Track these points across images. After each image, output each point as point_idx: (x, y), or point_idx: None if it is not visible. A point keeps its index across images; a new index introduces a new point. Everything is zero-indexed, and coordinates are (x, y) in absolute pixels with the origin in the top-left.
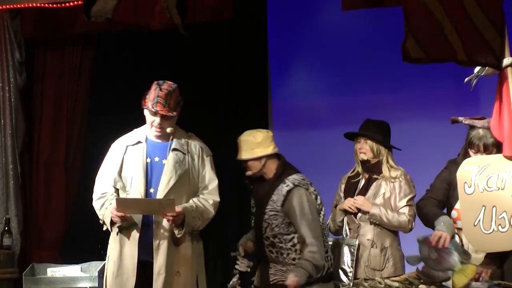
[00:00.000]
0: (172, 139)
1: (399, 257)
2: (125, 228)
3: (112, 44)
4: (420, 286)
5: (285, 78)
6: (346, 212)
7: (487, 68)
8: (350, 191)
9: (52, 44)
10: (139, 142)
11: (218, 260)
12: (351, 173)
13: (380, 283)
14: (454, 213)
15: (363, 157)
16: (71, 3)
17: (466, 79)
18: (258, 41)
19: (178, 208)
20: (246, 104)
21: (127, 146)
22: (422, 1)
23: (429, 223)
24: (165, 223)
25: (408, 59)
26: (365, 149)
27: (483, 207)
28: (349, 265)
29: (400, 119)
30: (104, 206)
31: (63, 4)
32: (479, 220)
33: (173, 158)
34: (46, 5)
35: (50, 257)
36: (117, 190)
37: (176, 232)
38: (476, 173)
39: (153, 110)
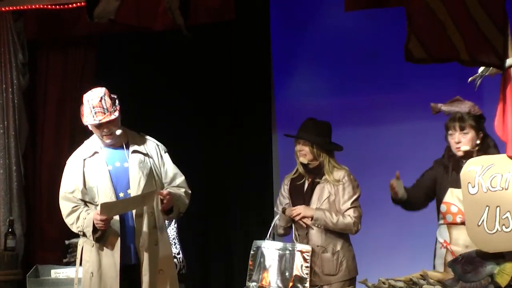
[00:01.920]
0: (127, 143)
1: (351, 258)
2: (103, 238)
3: (114, 46)
4: (424, 286)
5: (288, 79)
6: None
7: (491, 67)
8: (296, 195)
9: (55, 46)
10: (95, 152)
11: (221, 261)
12: (293, 174)
13: (384, 283)
14: (443, 206)
15: (303, 160)
16: (74, 5)
17: (470, 79)
18: (260, 42)
19: (165, 191)
20: (249, 105)
21: (84, 160)
22: (425, 2)
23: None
24: (144, 224)
25: (411, 60)
26: (305, 151)
27: (487, 207)
28: (304, 271)
29: (404, 120)
30: (80, 217)
31: (66, 6)
32: (483, 220)
33: (135, 160)
34: (49, 6)
35: (53, 259)
36: (85, 203)
37: (165, 217)
38: (479, 173)
39: (95, 122)
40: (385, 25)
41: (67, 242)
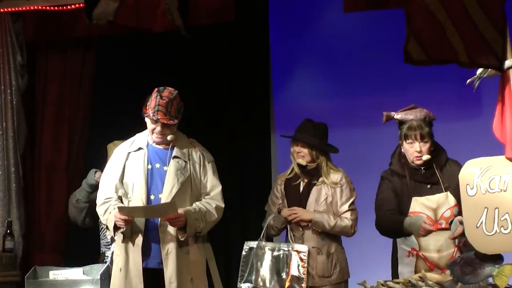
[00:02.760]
0: (173, 147)
1: (344, 260)
2: (129, 235)
3: (113, 47)
4: None
5: (287, 81)
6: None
7: (489, 69)
8: (292, 196)
9: (53, 47)
10: (140, 148)
11: (220, 262)
12: (288, 174)
13: (382, 285)
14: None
15: (301, 161)
16: (73, 6)
17: (468, 81)
18: (260, 44)
19: (180, 211)
20: (248, 107)
21: (128, 153)
22: (424, 3)
23: (397, 230)
24: (170, 229)
25: (410, 61)
26: (303, 152)
27: (486, 209)
28: (301, 271)
29: None
30: (107, 211)
31: (64, 7)
32: (482, 222)
33: (175, 166)
34: (48, 8)
35: (52, 260)
36: (119, 197)
37: (179, 235)
38: (478, 175)
39: (154, 118)
40: (384, 26)
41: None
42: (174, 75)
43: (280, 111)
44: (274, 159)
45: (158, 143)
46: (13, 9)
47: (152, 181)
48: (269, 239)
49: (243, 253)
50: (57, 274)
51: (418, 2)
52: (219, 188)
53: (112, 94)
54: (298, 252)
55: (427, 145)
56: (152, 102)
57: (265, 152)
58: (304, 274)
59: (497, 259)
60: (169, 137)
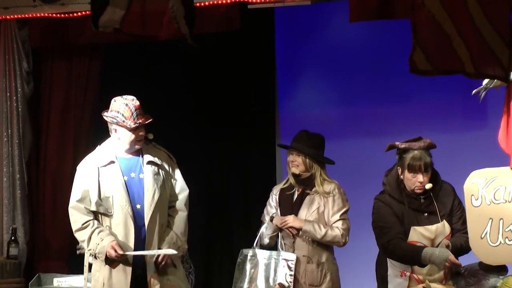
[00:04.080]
0: (142, 153)
1: (335, 271)
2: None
3: (119, 54)
4: None
5: (292, 90)
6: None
7: (495, 80)
8: (285, 205)
9: (59, 54)
10: (111, 162)
11: (224, 269)
12: (283, 184)
13: None
14: None
15: (295, 170)
16: (79, 13)
17: (474, 91)
18: (265, 53)
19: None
20: (254, 115)
21: (98, 168)
22: (430, 13)
23: (413, 258)
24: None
25: (416, 71)
26: (298, 161)
27: (490, 220)
28: (288, 280)
29: (407, 131)
30: (92, 239)
31: (70, 14)
32: (486, 233)
33: (150, 172)
34: (54, 15)
35: (56, 267)
36: (96, 216)
37: (172, 267)
38: (483, 186)
39: (136, 125)
40: (390, 36)
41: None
42: (180, 84)
43: (285, 120)
44: (279, 168)
45: (133, 152)
46: (19, 16)
47: (133, 191)
48: (263, 248)
49: (238, 260)
50: (61, 281)
51: (424, 13)
52: (186, 190)
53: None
54: (287, 260)
55: (429, 174)
56: (126, 112)
57: (270, 161)
58: (291, 282)
59: (501, 270)
60: (150, 135)
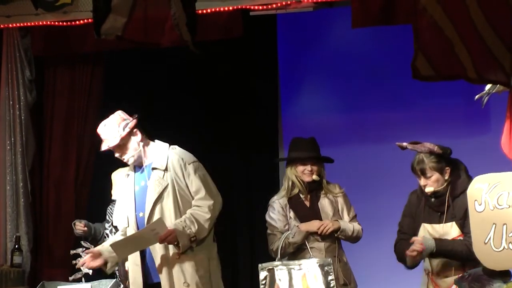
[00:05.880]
0: (151, 159)
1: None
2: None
3: (122, 62)
4: None
5: (294, 96)
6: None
7: (498, 85)
8: (302, 212)
9: (62, 62)
10: (128, 174)
11: (227, 278)
12: (287, 194)
13: None
14: None
15: (312, 178)
16: (81, 21)
17: (476, 97)
18: (268, 59)
19: (165, 232)
20: (256, 122)
21: (122, 182)
22: (432, 19)
23: (401, 259)
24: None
25: (418, 77)
26: (314, 169)
27: (494, 225)
28: (331, 285)
29: (410, 137)
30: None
31: (73, 22)
32: (490, 238)
33: (154, 177)
34: (56, 23)
35: (60, 275)
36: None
37: (177, 250)
38: (486, 191)
39: (101, 150)
40: (392, 42)
41: (72, 252)
42: (183, 90)
43: (288, 126)
44: (282, 175)
45: (131, 163)
46: (21, 24)
47: (139, 200)
48: (283, 258)
49: (261, 277)
50: None
51: (426, 18)
52: (203, 188)
53: (120, 109)
54: (323, 266)
55: (432, 178)
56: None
57: (273, 167)
58: (333, 286)
59: (505, 275)
60: (130, 160)
